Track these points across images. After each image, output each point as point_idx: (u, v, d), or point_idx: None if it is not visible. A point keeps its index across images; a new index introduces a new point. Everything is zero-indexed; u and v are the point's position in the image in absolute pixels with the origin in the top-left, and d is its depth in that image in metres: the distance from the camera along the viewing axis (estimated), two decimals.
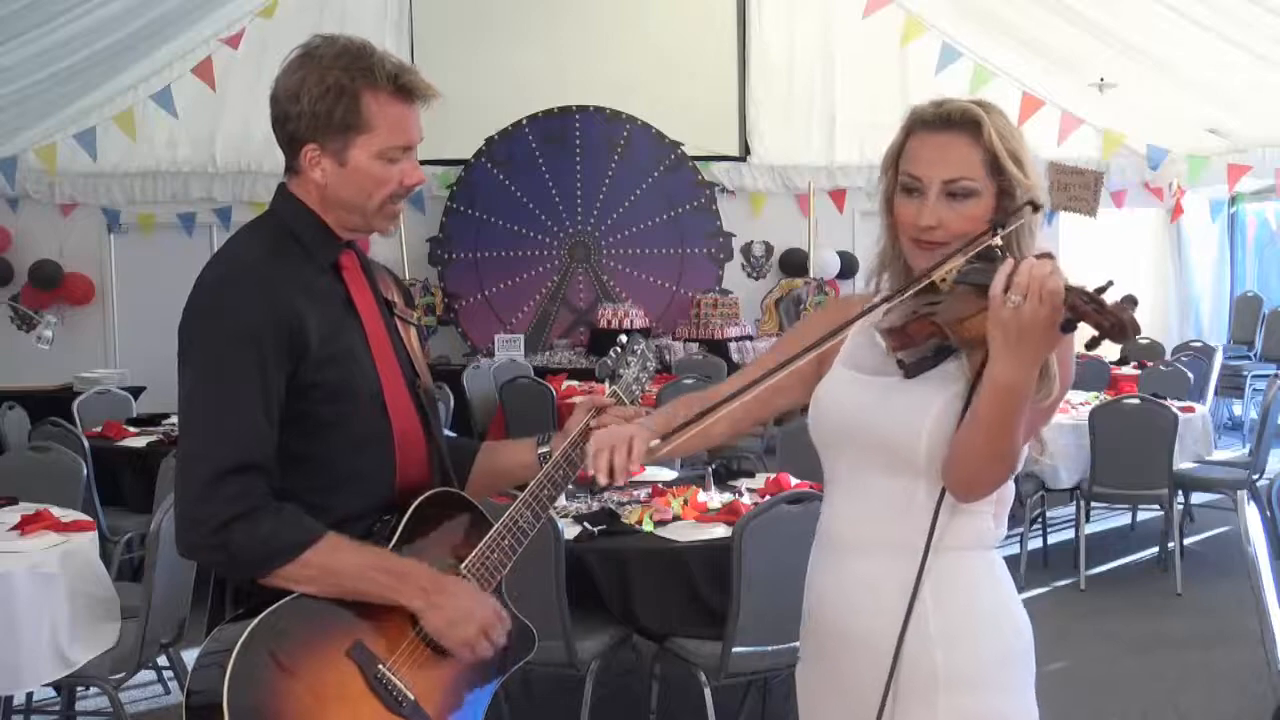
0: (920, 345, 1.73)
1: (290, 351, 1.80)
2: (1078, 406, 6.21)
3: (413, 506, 1.90)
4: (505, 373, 8.24)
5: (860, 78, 9.88)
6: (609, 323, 9.71)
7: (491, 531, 1.97)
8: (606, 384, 2.19)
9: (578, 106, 10.12)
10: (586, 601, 3.60)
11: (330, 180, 1.87)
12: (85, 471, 4.79)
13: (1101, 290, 1.56)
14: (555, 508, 3.82)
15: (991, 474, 1.74)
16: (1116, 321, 1.52)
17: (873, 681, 1.79)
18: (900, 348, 1.74)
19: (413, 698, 1.82)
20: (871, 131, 9.45)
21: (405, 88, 1.87)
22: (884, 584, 1.80)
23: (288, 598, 1.76)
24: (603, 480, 1.80)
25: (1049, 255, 1.70)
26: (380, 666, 1.80)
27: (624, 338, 2.23)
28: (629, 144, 10.14)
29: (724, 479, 4.41)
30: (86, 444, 5.42)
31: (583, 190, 10.17)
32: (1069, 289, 1.56)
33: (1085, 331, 1.59)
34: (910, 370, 1.75)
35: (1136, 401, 5.99)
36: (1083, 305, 1.54)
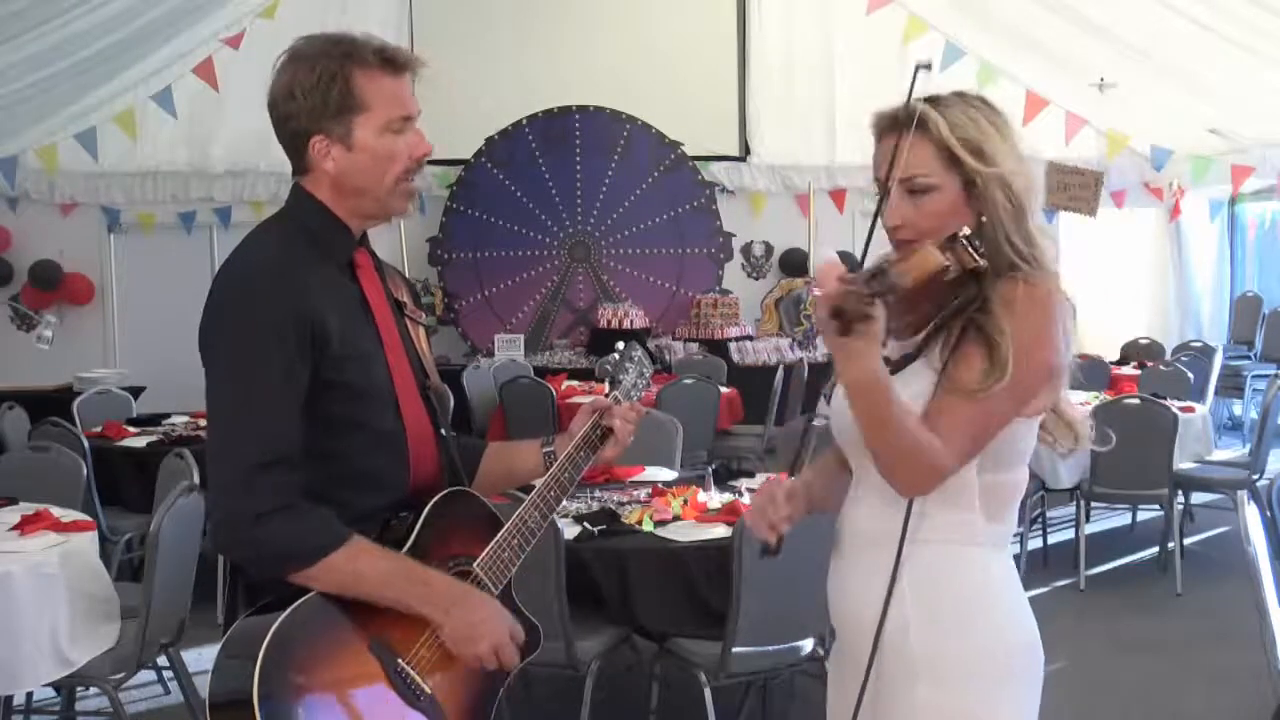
0: (899, 335, 1.78)
1: (312, 349, 1.82)
2: (1078, 406, 6.20)
3: (429, 505, 1.92)
4: (505, 373, 8.23)
5: (861, 78, 9.87)
6: (609, 323, 9.71)
7: (502, 531, 2.00)
8: (607, 385, 2.24)
9: (578, 106, 10.12)
10: (586, 601, 3.60)
11: (342, 167, 1.89)
12: (85, 471, 4.78)
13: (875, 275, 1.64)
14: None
15: (905, 470, 1.73)
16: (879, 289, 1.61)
17: (862, 670, 1.83)
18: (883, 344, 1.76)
19: (429, 691, 1.85)
20: (872, 131, 9.45)
21: (391, 60, 1.90)
22: (874, 575, 1.83)
23: (307, 593, 1.78)
24: (772, 539, 1.86)
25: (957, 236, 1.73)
26: (399, 661, 1.83)
27: (621, 344, 2.30)
28: (629, 144, 10.13)
29: (724, 479, 4.41)
30: (86, 444, 5.42)
31: (583, 190, 10.17)
32: (849, 283, 1.62)
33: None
34: (894, 367, 1.77)
35: (1136, 401, 5.99)
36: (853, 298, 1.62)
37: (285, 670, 1.71)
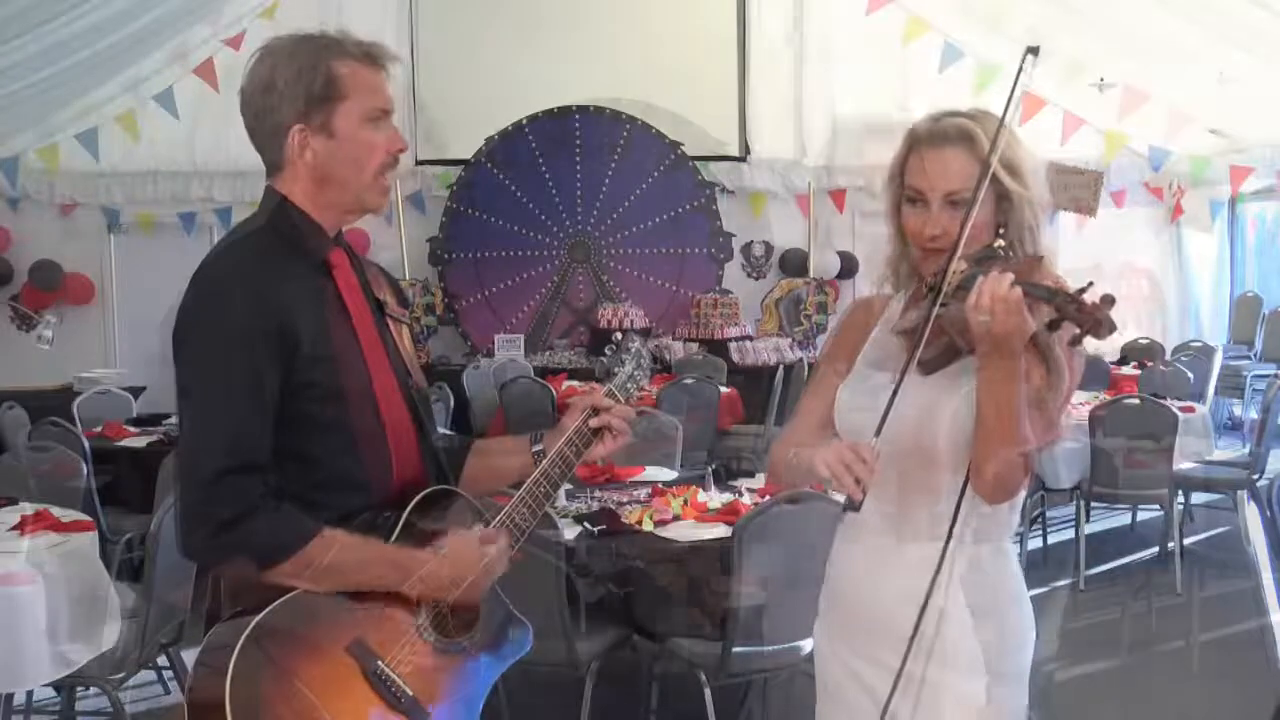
0: (934, 344, 1.84)
1: (282, 351, 1.81)
2: (1078, 406, 6.20)
3: (411, 504, 1.90)
4: (505, 373, 8.22)
5: (861, 77, 9.87)
6: (609, 323, 9.69)
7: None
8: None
9: (578, 106, 10.11)
10: (586, 601, 3.60)
11: (322, 157, 1.88)
12: (85, 471, 4.79)
13: (1082, 291, 1.69)
14: (555, 508, 3.83)
15: (1013, 467, 1.85)
16: (1093, 320, 1.66)
17: (897, 660, 1.92)
18: (916, 347, 1.84)
19: (411, 693, 1.83)
20: (872, 131, 9.47)
21: (369, 53, 1.92)
22: (911, 570, 1.93)
23: (286, 595, 1.77)
24: (858, 496, 1.81)
25: (1039, 258, 1.85)
26: (379, 662, 1.81)
27: (619, 336, 2.28)
28: (629, 144, 10.13)
29: (724, 479, 4.41)
30: (86, 444, 5.42)
31: (583, 190, 10.17)
32: (1048, 291, 1.71)
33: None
34: (927, 367, 1.86)
35: (1136, 401, 5.99)
36: (1064, 305, 1.69)
37: (258, 675, 1.70)
